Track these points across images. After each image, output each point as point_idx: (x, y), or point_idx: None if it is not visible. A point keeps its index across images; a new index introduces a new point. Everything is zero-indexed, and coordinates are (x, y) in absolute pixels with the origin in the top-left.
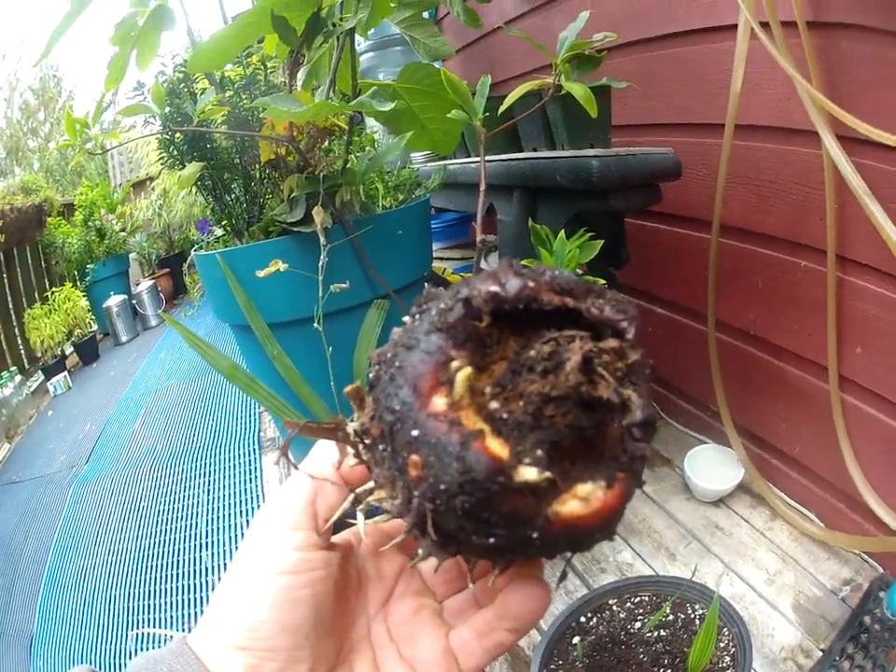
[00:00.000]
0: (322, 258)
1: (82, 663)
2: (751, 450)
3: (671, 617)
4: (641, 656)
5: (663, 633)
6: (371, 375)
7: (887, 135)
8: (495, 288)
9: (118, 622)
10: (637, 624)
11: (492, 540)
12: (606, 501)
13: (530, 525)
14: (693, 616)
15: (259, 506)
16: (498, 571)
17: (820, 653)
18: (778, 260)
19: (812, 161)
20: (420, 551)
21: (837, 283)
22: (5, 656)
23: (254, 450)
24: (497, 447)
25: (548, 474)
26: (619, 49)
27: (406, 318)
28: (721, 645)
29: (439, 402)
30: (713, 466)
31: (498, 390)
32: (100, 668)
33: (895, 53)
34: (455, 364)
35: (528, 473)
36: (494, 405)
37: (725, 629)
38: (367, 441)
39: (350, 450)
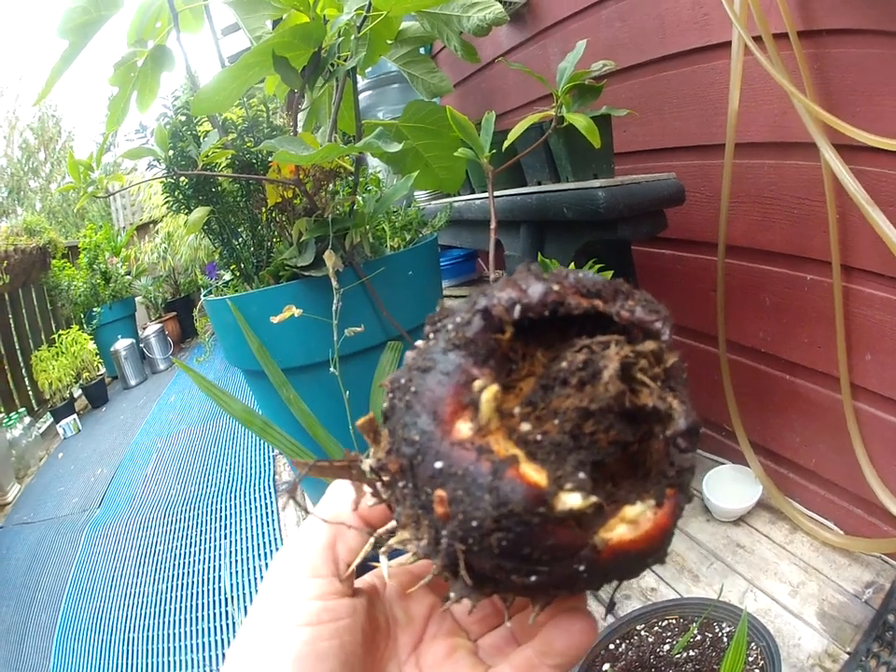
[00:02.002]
0: (335, 302)
1: None
2: (768, 466)
3: (699, 637)
4: None
5: (692, 653)
6: (384, 405)
7: (885, 141)
8: (516, 295)
9: (136, 664)
10: (666, 647)
11: (534, 578)
12: (657, 522)
13: (576, 557)
14: (720, 634)
15: (276, 549)
16: (539, 609)
17: (847, 656)
18: (784, 276)
19: (811, 174)
20: (451, 594)
21: (843, 292)
22: None
23: (270, 493)
24: (534, 473)
25: (594, 499)
26: (614, 75)
27: (419, 342)
28: (750, 659)
29: (463, 428)
30: (731, 486)
31: (529, 409)
32: None
33: (884, 52)
34: (478, 383)
35: (572, 500)
36: (525, 427)
37: (753, 643)
38: (385, 479)
39: (367, 489)
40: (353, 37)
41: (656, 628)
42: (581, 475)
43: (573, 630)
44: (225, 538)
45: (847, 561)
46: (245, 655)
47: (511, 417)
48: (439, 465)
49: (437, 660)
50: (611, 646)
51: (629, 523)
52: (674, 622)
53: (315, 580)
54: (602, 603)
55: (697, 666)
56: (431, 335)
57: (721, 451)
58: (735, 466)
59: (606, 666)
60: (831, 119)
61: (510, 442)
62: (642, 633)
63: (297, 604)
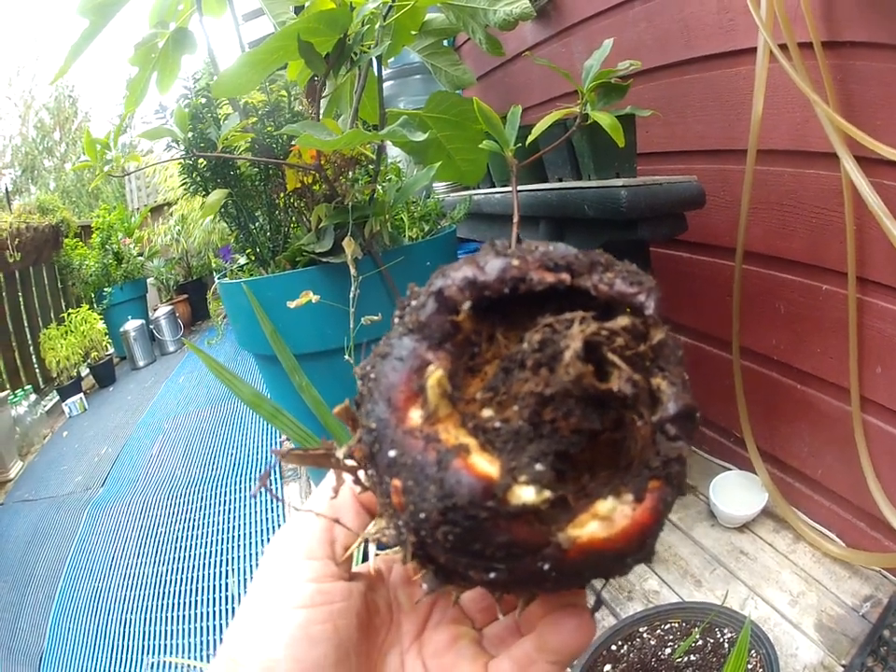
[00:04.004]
0: (353, 289)
1: None
2: (774, 474)
3: (700, 642)
4: None
5: (693, 658)
6: (358, 392)
7: None
8: (471, 273)
9: (132, 645)
10: (668, 651)
11: (492, 575)
12: (636, 518)
13: (538, 555)
14: (721, 640)
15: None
16: (522, 604)
17: (842, 669)
18: (800, 285)
19: (831, 184)
20: (424, 585)
21: (858, 304)
22: (13, 670)
23: (275, 479)
24: (485, 464)
25: (547, 494)
26: (638, 75)
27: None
28: (749, 667)
29: (414, 416)
30: (737, 492)
31: (490, 395)
32: None
33: None
34: (431, 368)
35: (525, 494)
36: (486, 413)
37: (753, 651)
38: (363, 466)
39: (350, 476)
40: (378, 25)
41: (658, 631)
42: (539, 466)
43: (567, 627)
44: (229, 521)
45: (847, 573)
46: (241, 636)
47: (472, 402)
48: (392, 453)
49: (439, 648)
50: (613, 647)
51: (601, 519)
52: (676, 625)
53: (311, 561)
54: (605, 604)
55: (697, 671)
56: (397, 320)
57: (729, 456)
58: (742, 472)
59: (607, 667)
60: (853, 130)
61: (461, 430)
62: (644, 635)
63: (292, 585)
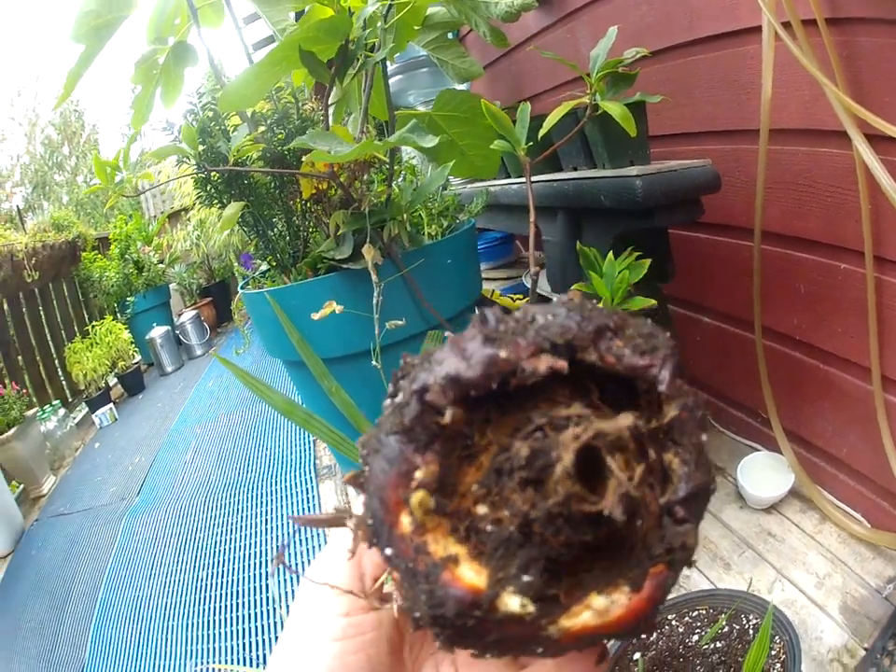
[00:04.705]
0: (376, 296)
1: None
2: (801, 454)
3: (727, 629)
4: (699, 668)
5: (719, 644)
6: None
7: None
8: (454, 369)
9: (176, 652)
10: (695, 637)
11: (488, 656)
12: (631, 607)
13: (531, 644)
14: (747, 626)
15: (317, 535)
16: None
17: (864, 652)
18: (819, 264)
19: (844, 162)
20: (436, 643)
21: (876, 284)
22: None
23: (310, 478)
24: (473, 575)
25: (532, 609)
26: (645, 59)
27: (386, 402)
28: (773, 653)
29: (405, 522)
30: (765, 473)
31: (484, 491)
32: None
33: None
34: (418, 475)
35: (512, 604)
36: (481, 509)
37: (777, 637)
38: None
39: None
40: (379, 26)
41: (687, 618)
42: (527, 577)
43: (581, 667)
44: (267, 522)
45: (871, 554)
46: (281, 668)
47: (466, 496)
48: (388, 552)
49: (470, 658)
50: (643, 635)
51: (596, 611)
52: (704, 612)
53: (341, 596)
54: None
55: (723, 658)
56: (389, 401)
57: (756, 437)
58: (770, 453)
59: (637, 656)
60: (862, 111)
61: (450, 539)
62: (673, 622)
63: (325, 621)
